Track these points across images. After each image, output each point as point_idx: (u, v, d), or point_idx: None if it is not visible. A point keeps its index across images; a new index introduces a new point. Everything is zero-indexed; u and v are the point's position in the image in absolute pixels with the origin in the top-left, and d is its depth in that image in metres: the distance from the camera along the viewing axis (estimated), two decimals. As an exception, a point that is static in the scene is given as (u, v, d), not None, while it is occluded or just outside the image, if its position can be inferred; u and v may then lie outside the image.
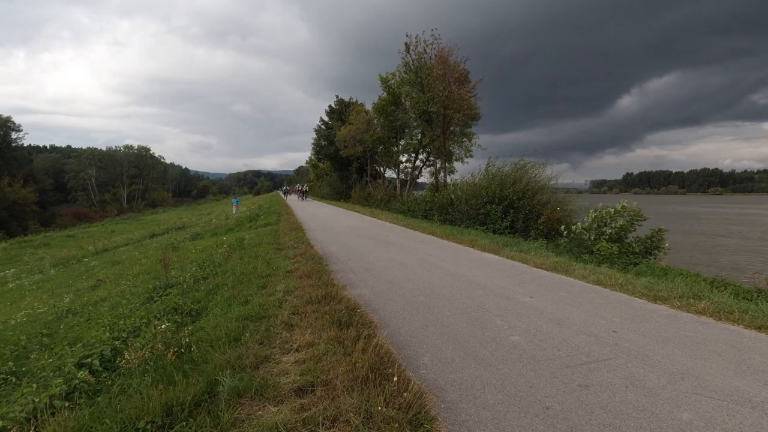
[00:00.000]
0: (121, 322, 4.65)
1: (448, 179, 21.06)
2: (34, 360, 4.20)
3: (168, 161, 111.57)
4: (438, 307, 4.25)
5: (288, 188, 57.95)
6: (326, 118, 37.11)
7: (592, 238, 8.98)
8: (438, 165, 22.42)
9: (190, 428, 2.12)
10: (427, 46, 20.64)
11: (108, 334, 4.11)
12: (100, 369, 3.30)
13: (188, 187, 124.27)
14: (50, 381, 2.98)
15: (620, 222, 8.97)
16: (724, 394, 2.43)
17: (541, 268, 6.18)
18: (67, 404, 2.63)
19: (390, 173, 30.38)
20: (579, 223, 9.69)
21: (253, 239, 9.93)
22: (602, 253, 8.39)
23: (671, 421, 2.16)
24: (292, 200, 36.29)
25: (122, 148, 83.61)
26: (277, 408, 2.29)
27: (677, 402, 2.35)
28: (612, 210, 9.16)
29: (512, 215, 12.61)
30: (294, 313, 3.88)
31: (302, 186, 36.74)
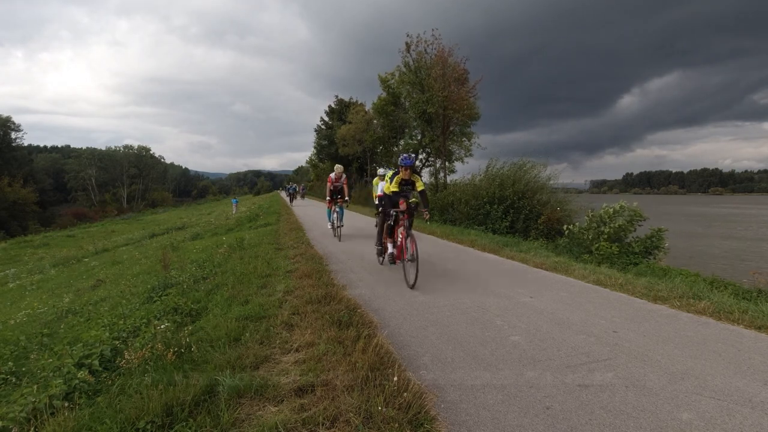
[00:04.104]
0: (121, 322, 4.65)
1: (448, 179, 21.08)
2: (34, 360, 4.20)
3: (168, 161, 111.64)
4: (438, 307, 4.25)
5: (295, 186, 34.63)
6: (326, 118, 37.16)
7: (590, 237, 8.98)
8: (438, 165, 22.43)
9: (190, 428, 2.12)
10: (427, 45, 20.66)
11: (108, 334, 4.11)
12: (100, 369, 3.29)
13: (188, 187, 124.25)
14: (50, 381, 2.98)
15: (619, 221, 8.97)
16: (724, 394, 2.43)
17: (541, 268, 6.18)
18: (67, 404, 2.63)
19: (390, 173, 30.33)
20: (578, 224, 9.71)
21: (253, 239, 9.93)
22: (602, 253, 8.39)
23: (671, 421, 2.16)
24: (301, 207, 23.37)
25: (122, 148, 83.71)
26: (277, 408, 2.29)
27: (677, 402, 2.35)
28: (611, 210, 9.17)
29: (512, 215, 12.61)
30: (294, 313, 3.88)
31: (336, 178, 10.12)
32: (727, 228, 33.80)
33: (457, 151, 22.36)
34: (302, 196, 36.16)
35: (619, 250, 8.46)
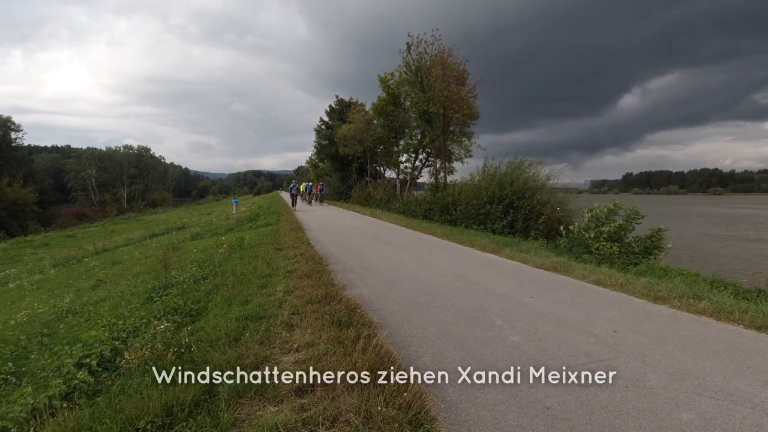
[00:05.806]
0: (121, 323, 4.64)
1: (448, 179, 21.11)
2: (33, 360, 4.20)
3: (168, 161, 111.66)
4: (438, 307, 4.25)
5: (302, 186, 27.40)
6: (326, 118, 37.17)
7: (592, 236, 8.98)
8: (438, 165, 22.44)
9: (190, 428, 2.12)
10: (428, 46, 20.68)
11: (107, 334, 4.11)
12: (100, 369, 3.29)
13: (188, 187, 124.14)
14: (50, 381, 2.98)
15: (618, 221, 8.98)
16: (724, 394, 2.43)
17: (541, 268, 6.18)
18: (66, 404, 2.63)
19: (390, 173, 30.32)
20: (577, 223, 9.70)
21: (253, 239, 9.92)
22: (602, 252, 8.39)
23: (671, 421, 2.16)
24: (305, 210, 19.65)
25: (122, 148, 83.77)
26: (277, 408, 2.29)
27: (677, 402, 2.35)
28: (605, 209, 9.20)
29: (512, 215, 12.62)
30: (294, 313, 3.88)
31: None
32: (750, 230, 30.38)
33: (457, 152, 22.39)
34: (320, 200, 26.28)
35: (620, 250, 8.46)
